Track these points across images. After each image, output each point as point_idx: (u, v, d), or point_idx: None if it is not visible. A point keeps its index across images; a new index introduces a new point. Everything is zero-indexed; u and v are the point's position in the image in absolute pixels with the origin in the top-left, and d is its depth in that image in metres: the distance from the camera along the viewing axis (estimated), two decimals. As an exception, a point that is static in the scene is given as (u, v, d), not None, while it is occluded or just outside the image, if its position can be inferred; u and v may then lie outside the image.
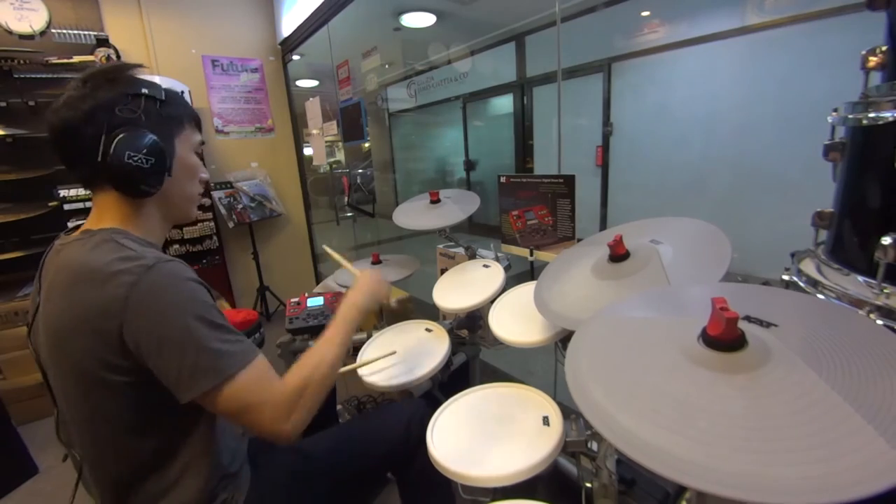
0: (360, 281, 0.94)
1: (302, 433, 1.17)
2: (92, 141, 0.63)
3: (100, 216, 0.69)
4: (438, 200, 1.41)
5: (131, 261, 0.60)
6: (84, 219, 2.30)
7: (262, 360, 0.65)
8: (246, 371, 0.62)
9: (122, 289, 0.57)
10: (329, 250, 1.13)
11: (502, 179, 1.44)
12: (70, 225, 2.34)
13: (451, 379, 1.27)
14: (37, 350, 0.70)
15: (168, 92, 0.72)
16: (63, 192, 2.34)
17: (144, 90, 0.68)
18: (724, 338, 0.45)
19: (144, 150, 0.64)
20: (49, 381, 0.69)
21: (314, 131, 3.04)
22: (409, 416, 0.95)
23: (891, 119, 0.56)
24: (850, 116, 0.62)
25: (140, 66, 0.73)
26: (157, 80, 2.54)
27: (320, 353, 0.73)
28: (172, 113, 0.72)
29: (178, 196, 0.75)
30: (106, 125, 0.63)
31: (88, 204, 2.39)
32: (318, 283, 3.44)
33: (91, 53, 2.43)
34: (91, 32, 2.50)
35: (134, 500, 0.67)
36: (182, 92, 2.66)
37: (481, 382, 0.93)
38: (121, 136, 0.63)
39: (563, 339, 0.89)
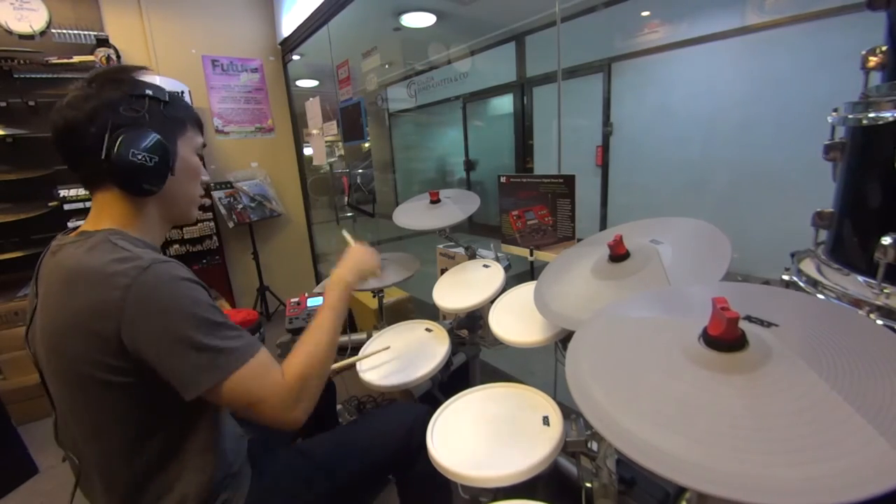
0: (346, 256, 0.93)
1: (303, 434, 1.17)
2: (95, 140, 0.64)
3: (98, 216, 0.69)
4: (438, 200, 1.41)
5: (127, 262, 0.60)
6: (83, 219, 2.30)
7: (264, 354, 0.66)
8: (247, 366, 0.62)
9: (118, 291, 0.57)
10: (345, 233, 1.13)
11: (502, 179, 1.44)
12: (70, 225, 2.34)
13: (451, 379, 1.27)
14: (34, 352, 0.70)
15: (171, 94, 0.73)
16: (63, 192, 2.34)
17: (148, 91, 0.69)
18: (725, 338, 0.45)
19: (148, 149, 0.65)
20: (46, 384, 0.69)
21: (314, 131, 3.04)
22: (412, 420, 0.94)
23: (891, 119, 0.56)
24: (850, 116, 0.62)
25: (144, 68, 0.73)
26: (157, 80, 2.54)
27: (314, 339, 0.74)
28: (175, 114, 0.72)
29: (179, 196, 0.75)
30: (110, 124, 0.64)
31: (88, 204, 2.37)
32: (318, 283, 3.44)
33: (91, 53, 2.43)
34: (91, 32, 2.49)
35: (140, 502, 0.67)
36: (182, 92, 2.67)
37: (481, 382, 0.93)
38: (125, 134, 0.64)
39: (563, 339, 0.89)
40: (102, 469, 0.67)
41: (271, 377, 0.65)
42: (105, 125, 0.64)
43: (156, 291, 0.59)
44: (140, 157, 0.64)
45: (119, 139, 0.64)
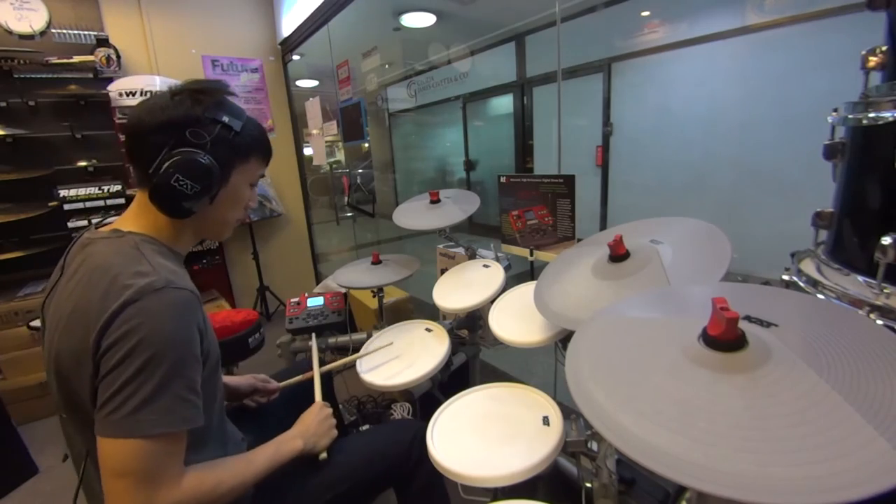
0: (304, 421, 0.86)
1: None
2: (153, 151, 0.65)
3: (135, 216, 0.71)
4: (438, 200, 1.41)
5: (144, 277, 0.60)
6: (84, 219, 2.28)
7: (182, 442, 0.61)
8: (160, 440, 0.57)
9: (121, 302, 0.57)
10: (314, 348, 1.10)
11: (502, 179, 1.44)
12: (70, 225, 2.35)
13: (451, 379, 1.27)
14: (44, 320, 0.70)
15: (248, 123, 0.73)
16: (63, 192, 2.34)
17: (224, 118, 0.69)
18: (725, 338, 0.45)
19: (193, 177, 0.65)
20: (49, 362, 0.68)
21: (314, 131, 3.04)
22: (413, 435, 0.94)
23: (891, 119, 0.56)
24: (850, 116, 0.62)
25: (232, 93, 0.74)
26: (156, 80, 2.52)
27: (232, 471, 0.67)
28: (241, 144, 0.72)
29: (214, 220, 0.75)
30: (172, 142, 0.65)
31: (89, 204, 2.41)
32: (318, 283, 3.43)
33: (91, 53, 2.43)
34: (91, 32, 2.50)
35: None
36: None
37: (481, 382, 0.92)
38: (177, 157, 0.64)
39: (563, 339, 0.89)
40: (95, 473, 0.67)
41: (169, 470, 0.58)
42: (166, 142, 0.65)
43: (149, 317, 0.58)
44: (182, 184, 0.64)
45: (170, 161, 0.64)
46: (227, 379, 1.02)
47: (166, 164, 0.64)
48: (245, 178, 0.75)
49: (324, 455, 0.85)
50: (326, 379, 1.09)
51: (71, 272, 0.66)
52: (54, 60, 2.34)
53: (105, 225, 0.70)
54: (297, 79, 3.43)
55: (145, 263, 0.62)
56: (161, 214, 0.68)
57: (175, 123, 0.65)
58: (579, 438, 0.76)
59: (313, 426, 0.85)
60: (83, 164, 2.49)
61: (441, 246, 1.76)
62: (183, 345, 0.60)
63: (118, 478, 0.55)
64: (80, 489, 0.75)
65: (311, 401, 0.94)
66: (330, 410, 0.91)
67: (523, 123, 4.39)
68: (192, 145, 0.66)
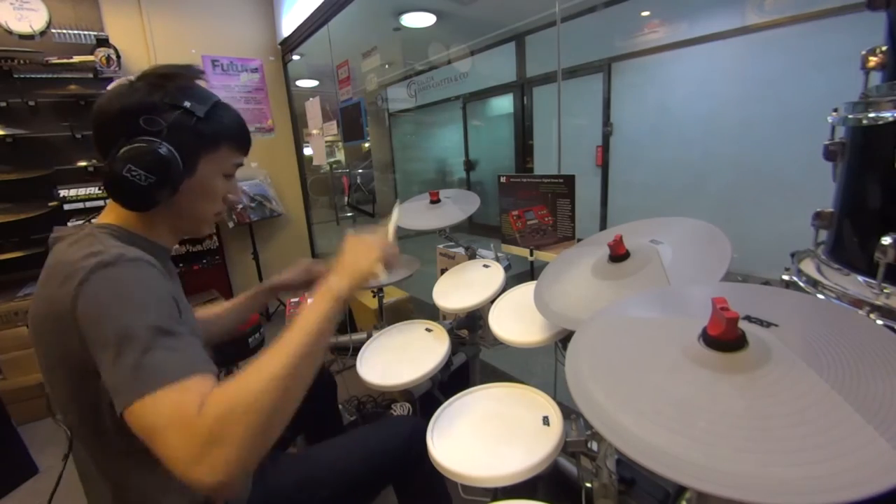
0: (343, 251, 0.71)
1: (306, 434, 1.16)
2: (109, 140, 0.62)
3: (107, 210, 0.69)
4: (438, 200, 1.41)
5: (95, 256, 0.56)
6: (84, 218, 2.28)
7: (197, 381, 0.51)
8: (169, 389, 0.49)
9: (74, 284, 0.53)
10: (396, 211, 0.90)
11: (502, 179, 1.44)
12: (70, 225, 2.34)
13: (451, 379, 1.27)
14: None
15: (215, 109, 0.69)
16: (63, 192, 2.34)
17: (186, 103, 0.65)
18: (725, 338, 0.45)
19: (147, 167, 0.61)
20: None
21: (314, 131, 3.04)
22: (411, 431, 0.93)
23: (891, 119, 0.56)
24: (850, 116, 0.62)
25: (200, 73, 0.70)
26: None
27: (266, 367, 0.53)
28: (207, 131, 0.68)
29: (186, 214, 0.71)
30: (128, 130, 0.62)
31: (89, 204, 2.41)
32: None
33: (91, 53, 2.43)
34: (91, 32, 2.49)
35: (134, 498, 0.66)
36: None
37: (481, 382, 0.93)
38: (129, 146, 0.61)
39: (563, 339, 0.89)
40: (87, 466, 0.66)
41: (188, 407, 0.48)
42: (123, 130, 0.62)
43: (107, 287, 0.54)
44: (134, 174, 0.60)
45: (120, 150, 0.61)
46: (274, 279, 1.00)
47: (119, 154, 0.61)
48: (215, 168, 0.71)
49: (384, 277, 0.69)
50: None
51: (42, 275, 0.63)
52: (54, 60, 2.34)
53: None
54: (297, 79, 3.43)
55: (97, 245, 0.59)
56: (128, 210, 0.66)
57: (129, 111, 0.62)
58: (579, 438, 0.76)
59: (347, 257, 0.69)
60: (83, 164, 2.48)
61: (441, 246, 1.76)
62: (144, 307, 0.54)
63: (159, 432, 0.48)
64: (82, 489, 0.74)
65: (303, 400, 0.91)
66: (370, 236, 0.75)
67: (523, 123, 4.39)
68: (148, 133, 0.62)
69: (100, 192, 2.41)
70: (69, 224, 2.31)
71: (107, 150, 0.62)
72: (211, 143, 0.69)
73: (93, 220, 0.66)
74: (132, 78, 0.66)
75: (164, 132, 0.63)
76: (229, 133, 0.72)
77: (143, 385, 0.49)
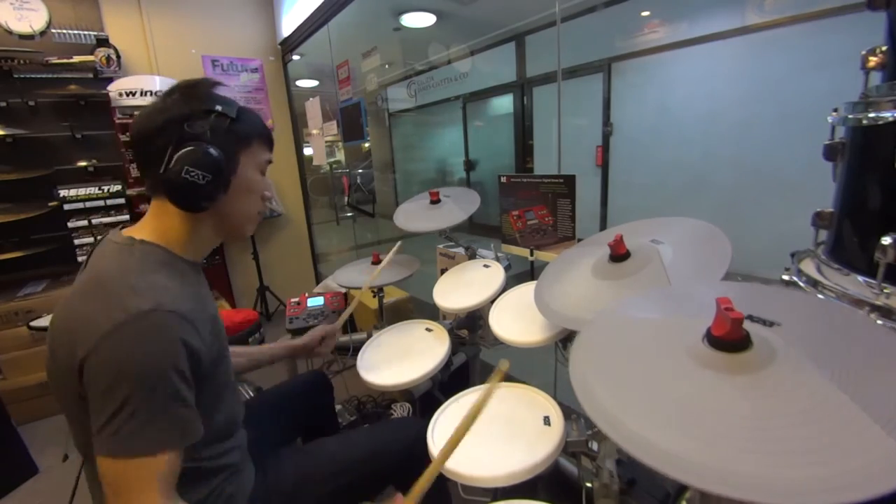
0: None
1: (304, 436, 1.18)
2: (159, 152, 0.65)
3: (150, 223, 0.71)
4: (438, 200, 1.41)
5: (137, 296, 0.58)
6: (84, 218, 2.28)
7: (172, 462, 0.58)
8: (146, 461, 0.55)
9: (106, 325, 0.56)
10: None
11: (503, 179, 1.44)
12: (70, 225, 2.35)
13: (451, 379, 1.27)
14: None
15: (242, 110, 0.74)
16: (63, 192, 2.34)
17: (218, 107, 0.70)
18: (729, 338, 0.45)
19: (202, 166, 0.65)
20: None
21: (314, 131, 3.04)
22: (415, 434, 0.93)
23: (891, 119, 0.56)
24: (850, 116, 0.62)
25: (220, 83, 0.75)
26: (156, 80, 2.52)
27: None
28: (241, 130, 0.73)
29: (234, 213, 0.75)
30: (175, 139, 0.65)
31: (89, 204, 2.41)
32: (318, 283, 3.44)
33: (91, 53, 2.43)
34: (91, 32, 2.49)
35: None
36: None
37: (481, 382, 0.92)
38: (183, 150, 0.65)
39: (564, 339, 0.89)
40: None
41: (141, 483, 0.55)
42: (170, 140, 0.65)
43: (120, 352, 0.56)
44: (193, 174, 0.64)
45: (177, 155, 0.64)
46: (291, 342, 1.09)
47: (174, 160, 0.64)
48: (252, 165, 0.76)
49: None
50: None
51: (84, 273, 0.67)
52: (54, 60, 2.34)
53: (125, 228, 0.71)
54: (297, 79, 3.43)
55: (143, 280, 0.61)
56: (176, 219, 0.69)
57: (174, 121, 0.66)
58: (580, 438, 0.76)
59: None
60: (83, 164, 2.49)
61: (441, 246, 1.76)
62: (163, 370, 0.58)
63: (115, 496, 0.56)
64: (77, 488, 0.74)
65: (299, 402, 0.94)
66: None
67: (523, 123, 4.38)
68: (195, 137, 0.66)
69: (100, 192, 2.42)
70: (69, 224, 2.32)
71: (156, 164, 0.66)
72: (245, 141, 0.74)
73: (137, 238, 0.68)
74: (158, 96, 0.70)
75: (207, 135, 0.67)
76: (258, 131, 0.77)
77: (116, 446, 0.55)
